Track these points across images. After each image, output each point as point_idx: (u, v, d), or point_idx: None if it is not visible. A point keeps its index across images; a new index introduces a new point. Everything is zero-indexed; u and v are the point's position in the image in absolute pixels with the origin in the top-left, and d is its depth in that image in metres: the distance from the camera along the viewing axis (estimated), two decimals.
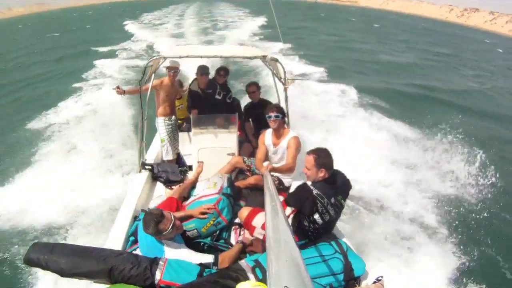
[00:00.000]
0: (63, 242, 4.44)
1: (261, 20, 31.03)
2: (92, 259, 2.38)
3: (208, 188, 3.40)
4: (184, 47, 5.38)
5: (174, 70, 4.55)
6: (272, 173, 3.42)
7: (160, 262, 2.43)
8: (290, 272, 0.98)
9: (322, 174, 2.89)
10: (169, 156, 4.76)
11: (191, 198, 3.41)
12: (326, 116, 8.99)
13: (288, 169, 3.70)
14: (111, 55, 17.41)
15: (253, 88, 4.93)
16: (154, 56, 4.08)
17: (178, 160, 4.93)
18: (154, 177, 4.25)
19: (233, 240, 3.13)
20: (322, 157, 2.89)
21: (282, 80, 4.25)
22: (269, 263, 1.08)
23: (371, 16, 62.02)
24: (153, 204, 3.40)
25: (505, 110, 12.72)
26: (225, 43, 19.51)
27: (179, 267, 2.43)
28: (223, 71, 5.03)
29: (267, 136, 3.97)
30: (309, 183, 2.94)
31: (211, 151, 4.37)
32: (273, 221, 1.47)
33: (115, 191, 5.35)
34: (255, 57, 4.13)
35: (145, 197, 3.87)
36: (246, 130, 5.19)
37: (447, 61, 22.04)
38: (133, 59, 16.35)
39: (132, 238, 3.00)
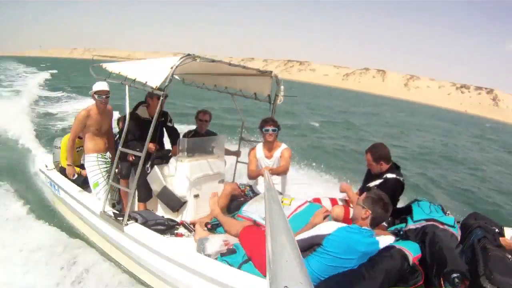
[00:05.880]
0: None
1: (46, 74, 32.66)
2: None
3: (293, 201, 3.38)
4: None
5: (106, 94, 3.87)
6: None
7: None
8: (290, 272, 0.98)
9: (382, 166, 3.24)
10: (105, 207, 3.56)
11: None
12: None
13: (284, 170, 3.83)
14: None
15: (207, 117, 4.54)
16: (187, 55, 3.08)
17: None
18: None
19: None
20: (377, 152, 3.25)
21: (272, 96, 4.28)
22: (269, 262, 1.08)
23: None
24: (217, 247, 2.87)
25: None
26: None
27: None
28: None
29: (258, 150, 4.05)
30: (390, 175, 3.20)
31: (205, 180, 3.90)
32: (273, 220, 1.46)
33: None
34: (264, 72, 4.04)
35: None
36: None
37: None
38: None
39: None
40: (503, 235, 2.79)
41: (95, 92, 3.85)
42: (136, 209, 3.86)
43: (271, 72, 4.05)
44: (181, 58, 3.02)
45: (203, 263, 2.68)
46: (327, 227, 2.39)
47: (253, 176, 3.94)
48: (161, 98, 3.17)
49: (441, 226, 2.63)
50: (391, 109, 51.96)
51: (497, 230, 2.73)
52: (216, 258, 2.73)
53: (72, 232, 4.20)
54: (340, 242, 2.25)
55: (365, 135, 18.11)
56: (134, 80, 3.16)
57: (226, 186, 3.97)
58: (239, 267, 2.58)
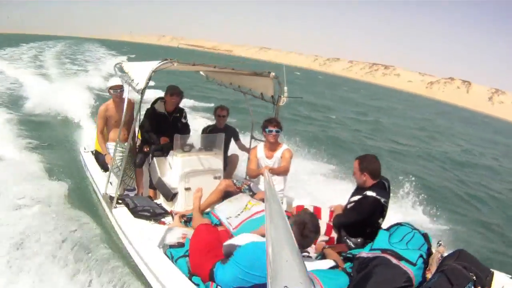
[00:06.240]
0: None
1: (123, 58, 32.75)
2: None
3: (254, 206, 3.37)
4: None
5: (120, 88, 4.31)
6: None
7: None
8: (290, 272, 1.02)
9: (365, 178, 3.02)
10: (111, 190, 3.90)
11: (237, 220, 3.23)
12: None
13: (285, 170, 3.88)
14: None
15: (224, 112, 4.74)
16: (164, 59, 3.33)
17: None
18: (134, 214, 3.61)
19: None
20: (364, 162, 3.05)
21: (275, 97, 4.36)
22: (269, 262, 1.11)
23: (245, 65, 56.90)
24: (174, 239, 3.01)
25: None
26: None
27: None
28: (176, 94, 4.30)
29: (259, 149, 4.09)
30: (370, 193, 2.97)
31: (197, 175, 4.08)
32: (273, 220, 1.45)
33: None
34: (261, 74, 4.12)
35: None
36: None
37: None
38: None
39: None
40: (487, 284, 2.26)
41: (110, 88, 4.35)
42: (147, 194, 4.34)
43: (269, 73, 4.08)
44: (159, 62, 3.25)
45: (147, 251, 2.91)
46: (243, 238, 2.36)
47: (253, 175, 4.02)
48: (140, 100, 3.52)
49: (394, 261, 2.28)
50: (456, 119, 46.51)
51: (474, 277, 2.21)
52: (166, 250, 2.89)
53: (92, 207, 4.68)
54: (248, 257, 2.20)
55: (383, 133, 17.20)
56: (132, 80, 3.56)
57: (221, 182, 3.99)
58: (176, 261, 2.66)
